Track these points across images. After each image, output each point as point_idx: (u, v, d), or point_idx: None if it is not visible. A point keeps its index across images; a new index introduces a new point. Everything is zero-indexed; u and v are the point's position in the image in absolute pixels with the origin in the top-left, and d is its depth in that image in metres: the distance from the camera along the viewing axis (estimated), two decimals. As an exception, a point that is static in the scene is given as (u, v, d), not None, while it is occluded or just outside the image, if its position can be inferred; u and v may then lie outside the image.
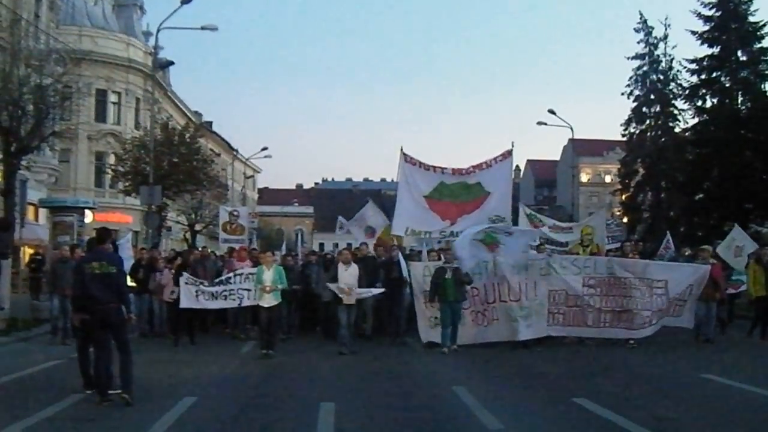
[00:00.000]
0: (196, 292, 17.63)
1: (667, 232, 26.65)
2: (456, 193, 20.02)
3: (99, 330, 10.70)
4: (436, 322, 16.80)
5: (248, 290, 17.11)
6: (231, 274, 18.08)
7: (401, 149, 20.21)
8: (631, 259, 18.35)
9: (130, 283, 17.11)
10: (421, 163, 20.17)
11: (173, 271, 18.53)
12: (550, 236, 21.78)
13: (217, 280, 18.17)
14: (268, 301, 15.61)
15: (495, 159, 20.31)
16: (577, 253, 19.94)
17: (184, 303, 17.47)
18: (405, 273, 17.34)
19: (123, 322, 10.85)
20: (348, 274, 16.33)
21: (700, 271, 17.82)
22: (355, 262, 16.88)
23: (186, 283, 17.62)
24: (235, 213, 27.09)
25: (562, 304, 17.21)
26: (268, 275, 15.69)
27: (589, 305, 17.18)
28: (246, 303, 17.48)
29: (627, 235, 25.59)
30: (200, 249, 24.41)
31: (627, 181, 57.40)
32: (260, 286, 15.70)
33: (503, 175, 20.44)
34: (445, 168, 20.38)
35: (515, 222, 21.36)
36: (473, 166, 20.39)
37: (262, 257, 17.23)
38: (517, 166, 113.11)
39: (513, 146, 20.54)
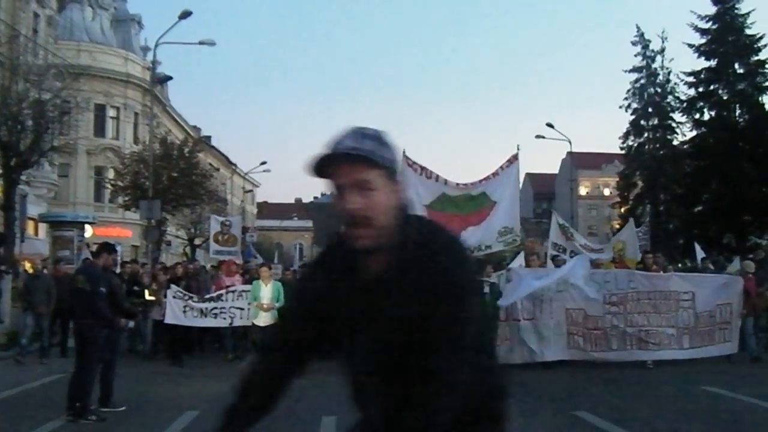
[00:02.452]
0: (184, 307, 16.66)
1: (695, 243, 25.28)
2: (460, 205, 18.33)
3: (78, 343, 10.73)
4: None
5: (241, 309, 16.28)
6: (223, 291, 17.01)
7: (404, 152, 17.93)
8: (653, 273, 16.94)
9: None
10: (423, 169, 18.35)
11: (155, 287, 17.70)
12: (580, 252, 19.81)
13: (207, 296, 17.11)
14: (265, 320, 14.65)
15: (501, 167, 18.55)
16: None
17: (169, 318, 16.55)
18: None
19: (90, 341, 10.53)
20: None
21: (733, 284, 16.64)
22: None
23: (174, 297, 16.72)
24: (227, 223, 26.01)
25: (581, 325, 15.86)
26: (266, 291, 14.75)
27: (613, 326, 15.80)
28: (238, 323, 16.61)
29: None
30: (192, 263, 23.62)
31: (626, 193, 57.47)
32: (256, 303, 14.69)
33: (509, 182, 18.59)
34: (448, 180, 18.60)
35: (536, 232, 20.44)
36: (480, 180, 18.66)
37: (259, 272, 16.24)
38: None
39: (519, 149, 18.80)
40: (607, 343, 15.88)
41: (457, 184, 18.65)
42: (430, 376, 2.32)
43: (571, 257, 19.13)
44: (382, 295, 2.41)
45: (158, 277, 18.24)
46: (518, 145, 18.88)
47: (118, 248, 25.28)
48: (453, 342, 2.34)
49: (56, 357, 16.92)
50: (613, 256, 20.07)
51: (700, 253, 23.18)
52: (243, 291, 16.26)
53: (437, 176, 18.44)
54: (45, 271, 18.47)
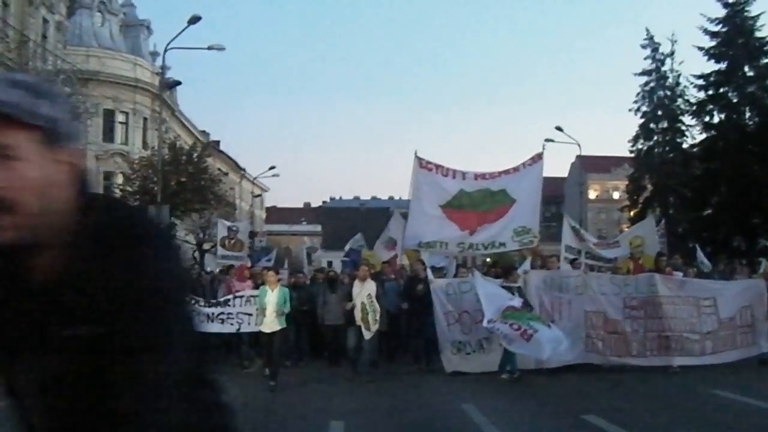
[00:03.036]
0: None
1: (696, 246, 24.54)
2: (477, 201, 17.68)
3: None
4: (460, 347, 15.45)
5: (249, 315, 15.64)
6: (230, 296, 16.42)
7: (415, 153, 17.76)
8: (673, 277, 16.54)
9: None
10: (438, 166, 17.77)
11: None
12: (596, 252, 19.44)
13: (214, 300, 16.55)
14: (271, 326, 14.01)
15: (524, 163, 17.96)
16: (628, 269, 17.92)
17: None
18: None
19: None
20: (363, 292, 14.86)
21: (754, 288, 16.29)
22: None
23: None
24: (234, 228, 25.26)
25: (600, 328, 15.51)
26: (272, 297, 14.05)
27: (633, 330, 15.47)
28: (246, 329, 15.97)
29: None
30: (192, 267, 23.13)
31: (635, 197, 57.15)
32: (261, 308, 14.16)
33: (532, 182, 17.89)
34: (467, 172, 18.02)
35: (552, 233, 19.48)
36: (500, 171, 18.09)
37: (265, 277, 15.30)
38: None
39: (544, 149, 18.34)
40: (627, 348, 15.55)
41: (476, 176, 18.06)
42: (119, 420, 1.68)
43: (586, 258, 18.76)
44: (50, 307, 1.71)
45: None
46: (544, 144, 18.41)
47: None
48: (150, 373, 1.69)
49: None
50: (630, 251, 19.41)
51: (701, 256, 22.01)
52: (251, 296, 15.67)
53: (454, 172, 17.90)
54: None
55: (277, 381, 13.67)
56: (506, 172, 17.98)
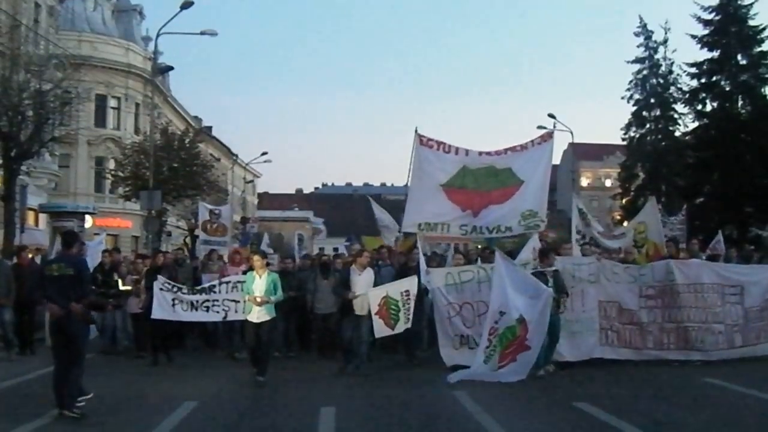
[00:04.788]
0: (173, 300, 14.98)
1: (719, 231, 23.13)
2: (480, 180, 16.50)
3: (55, 336, 10.38)
4: (463, 342, 14.42)
5: (236, 302, 14.55)
6: (216, 282, 15.40)
7: (416, 130, 16.58)
8: (694, 261, 15.84)
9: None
10: (440, 144, 16.52)
11: (136, 277, 16.35)
12: (601, 241, 18.58)
13: (199, 287, 15.54)
14: (259, 315, 12.87)
15: (532, 141, 16.73)
16: (633, 259, 16.95)
17: (157, 313, 14.77)
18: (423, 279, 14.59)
19: (79, 330, 10.21)
20: (363, 281, 14.08)
21: None
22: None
23: (161, 289, 14.96)
24: (216, 212, 24.07)
25: (615, 319, 14.69)
26: (260, 284, 12.98)
27: (650, 321, 14.68)
28: (232, 317, 14.89)
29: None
30: (174, 251, 22.17)
31: (627, 185, 57.27)
32: (249, 296, 12.99)
33: (541, 162, 16.63)
34: (470, 150, 16.73)
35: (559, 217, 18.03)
36: (505, 149, 16.83)
37: (251, 261, 14.09)
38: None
39: (555, 127, 18.00)
40: (642, 341, 14.78)
41: (480, 153, 16.92)
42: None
43: (587, 243, 18.03)
44: None
45: (138, 267, 16.92)
46: (554, 123, 17.40)
47: (102, 236, 24.73)
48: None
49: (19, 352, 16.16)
50: (634, 238, 18.76)
51: (720, 244, 21.29)
52: (238, 282, 14.60)
53: (456, 148, 16.69)
54: (14, 260, 17.32)
55: (265, 376, 12.85)
56: (512, 149, 16.84)
